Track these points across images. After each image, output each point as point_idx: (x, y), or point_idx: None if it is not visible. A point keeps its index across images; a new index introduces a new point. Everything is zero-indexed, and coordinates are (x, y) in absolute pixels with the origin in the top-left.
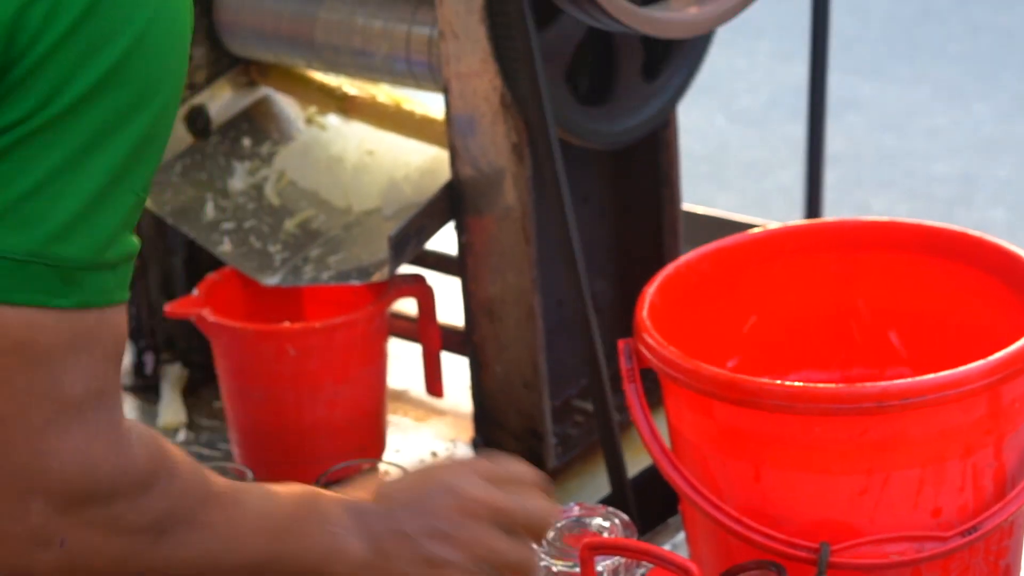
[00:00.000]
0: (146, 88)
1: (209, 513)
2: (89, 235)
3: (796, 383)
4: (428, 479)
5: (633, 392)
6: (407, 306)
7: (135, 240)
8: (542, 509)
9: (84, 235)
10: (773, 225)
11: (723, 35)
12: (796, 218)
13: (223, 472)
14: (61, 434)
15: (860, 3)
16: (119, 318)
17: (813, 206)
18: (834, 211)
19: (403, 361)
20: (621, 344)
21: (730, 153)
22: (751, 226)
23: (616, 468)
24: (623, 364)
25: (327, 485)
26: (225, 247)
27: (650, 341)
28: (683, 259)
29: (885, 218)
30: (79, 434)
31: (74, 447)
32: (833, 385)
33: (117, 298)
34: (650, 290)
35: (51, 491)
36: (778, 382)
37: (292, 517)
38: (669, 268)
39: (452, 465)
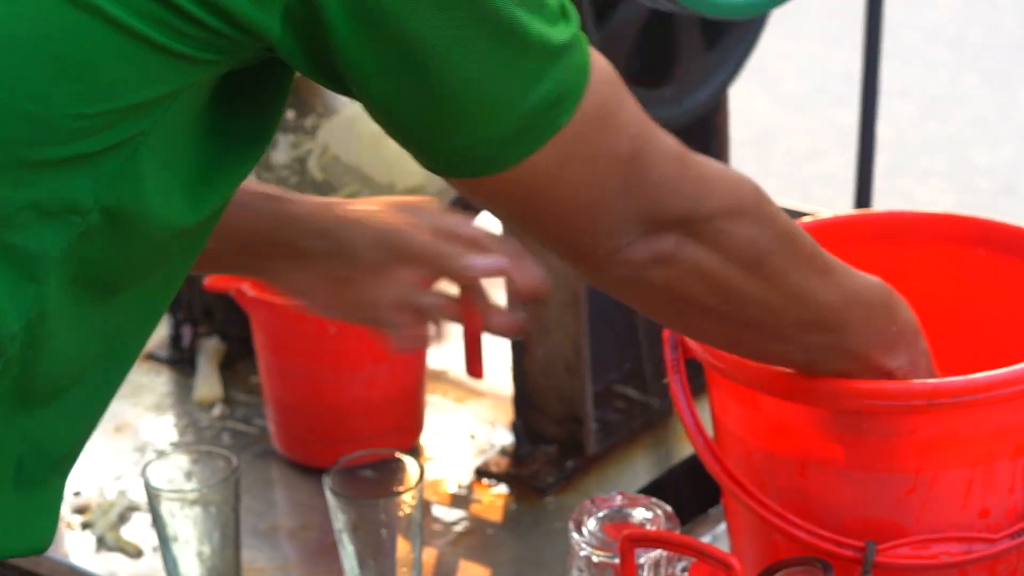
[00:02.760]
0: None
1: (801, 261)
2: (541, 52)
3: (844, 378)
4: None
5: (677, 383)
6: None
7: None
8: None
9: (543, 60)
10: (822, 214)
11: (771, 17)
12: (840, 205)
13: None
14: (639, 179)
15: None
16: (596, 62)
17: (863, 195)
18: (878, 199)
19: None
20: (666, 333)
21: (774, 138)
22: (797, 213)
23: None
24: (668, 354)
25: (358, 467)
26: None
27: None
28: None
29: (938, 210)
30: (648, 170)
31: (651, 181)
32: (883, 381)
33: (585, 57)
34: None
35: (659, 214)
36: (826, 377)
37: (868, 304)
38: None
39: None
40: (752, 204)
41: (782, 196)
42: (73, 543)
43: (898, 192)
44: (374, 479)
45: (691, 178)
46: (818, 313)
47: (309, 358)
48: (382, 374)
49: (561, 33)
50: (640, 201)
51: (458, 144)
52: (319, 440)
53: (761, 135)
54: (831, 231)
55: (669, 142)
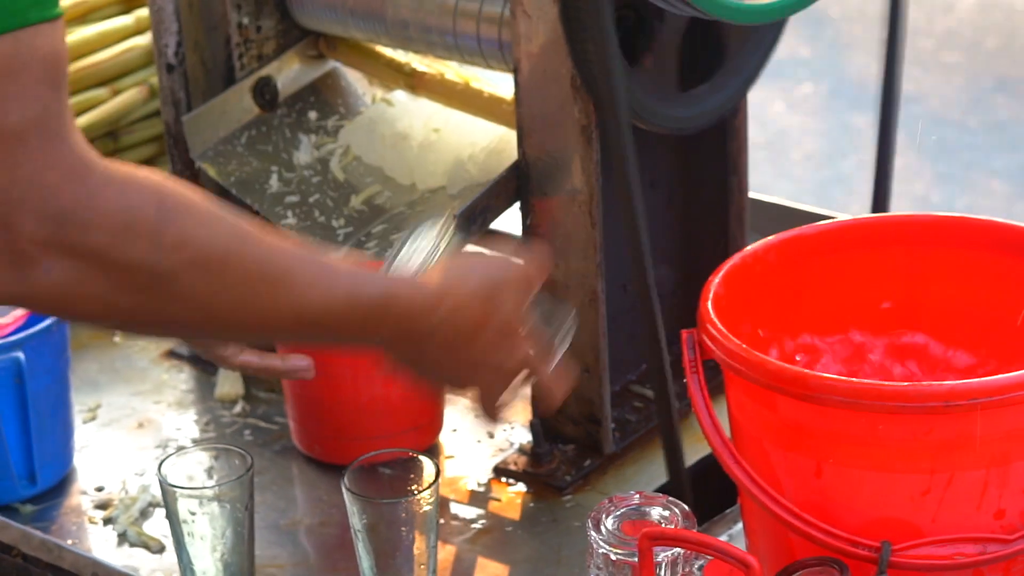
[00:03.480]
0: None
1: (230, 262)
2: None
3: (862, 380)
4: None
5: (695, 384)
6: None
7: None
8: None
9: None
10: (840, 217)
11: (787, 22)
12: (855, 208)
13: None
14: (10, 166)
15: None
16: (45, 39)
17: (880, 198)
18: (893, 203)
19: None
20: (684, 335)
21: (789, 141)
22: (815, 215)
23: (674, 459)
24: (686, 355)
25: (376, 466)
26: (289, 220)
27: (714, 333)
28: (749, 249)
29: (956, 214)
30: (29, 163)
31: (28, 176)
32: (900, 383)
33: (35, 17)
34: (715, 280)
35: (19, 218)
36: (843, 378)
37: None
38: (735, 258)
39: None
40: (150, 224)
41: (798, 199)
42: (96, 538)
43: (913, 195)
44: (392, 477)
45: (77, 189)
46: (260, 329)
47: (328, 356)
48: None
49: None
50: (5, 194)
51: None
52: (338, 437)
53: (776, 138)
54: (849, 235)
55: (74, 151)
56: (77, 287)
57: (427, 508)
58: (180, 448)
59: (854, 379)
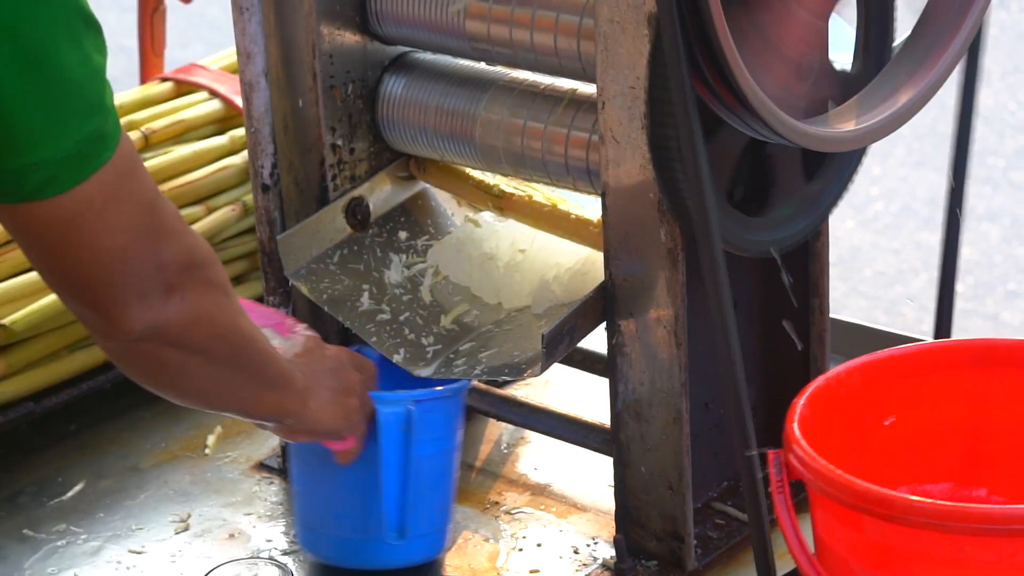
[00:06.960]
0: None
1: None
2: (94, 97)
3: (947, 502)
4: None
5: (782, 504)
6: (539, 396)
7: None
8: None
9: (95, 103)
10: (915, 336)
11: None
12: (927, 325)
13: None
14: (159, 230)
15: (995, 113)
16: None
17: (944, 321)
18: (964, 321)
19: (546, 455)
20: (771, 455)
21: (861, 259)
22: (890, 336)
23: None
24: (772, 475)
25: None
26: (378, 337)
27: (801, 454)
28: (832, 372)
29: None
30: (165, 221)
31: (167, 230)
32: (986, 505)
33: (116, 115)
34: (800, 402)
35: (172, 262)
36: (929, 500)
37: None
38: (819, 380)
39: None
40: (211, 250)
41: (870, 316)
42: None
43: (985, 314)
44: None
45: (184, 228)
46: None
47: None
48: None
49: (105, 85)
50: (159, 246)
51: (18, 163)
52: None
53: (849, 256)
54: (930, 359)
55: (165, 197)
56: (198, 308)
57: None
58: (223, 563)
59: (939, 501)
